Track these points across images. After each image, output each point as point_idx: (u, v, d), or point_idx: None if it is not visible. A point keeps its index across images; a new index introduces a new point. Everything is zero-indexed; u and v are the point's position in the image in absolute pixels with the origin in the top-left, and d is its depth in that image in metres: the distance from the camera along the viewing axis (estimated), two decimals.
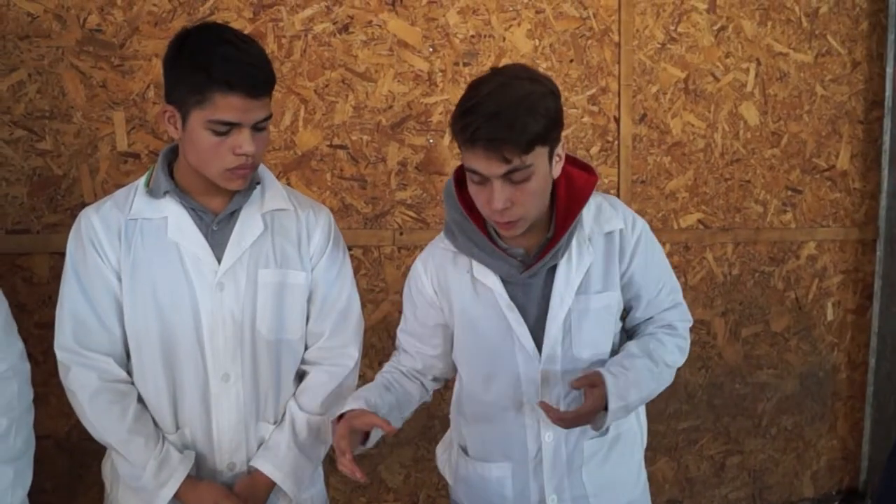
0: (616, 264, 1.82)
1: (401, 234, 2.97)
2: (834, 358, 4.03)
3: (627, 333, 1.94)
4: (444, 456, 2.08)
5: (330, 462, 2.02)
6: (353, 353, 1.94)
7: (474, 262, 1.80)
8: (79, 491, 2.67)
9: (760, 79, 3.60)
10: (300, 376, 1.94)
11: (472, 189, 1.68)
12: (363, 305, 2.66)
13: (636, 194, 3.38)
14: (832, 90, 3.78)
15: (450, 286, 1.85)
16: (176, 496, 1.75)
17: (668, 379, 1.85)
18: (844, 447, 4.15)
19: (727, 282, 3.66)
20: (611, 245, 1.82)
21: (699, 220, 3.56)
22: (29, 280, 2.55)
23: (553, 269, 1.78)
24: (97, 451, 1.99)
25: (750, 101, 3.60)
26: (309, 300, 1.91)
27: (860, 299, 4.05)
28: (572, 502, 1.86)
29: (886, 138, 3.88)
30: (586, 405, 1.68)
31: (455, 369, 1.98)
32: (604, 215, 1.82)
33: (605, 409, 1.70)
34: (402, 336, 1.99)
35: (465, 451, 1.97)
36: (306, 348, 1.94)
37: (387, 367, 1.98)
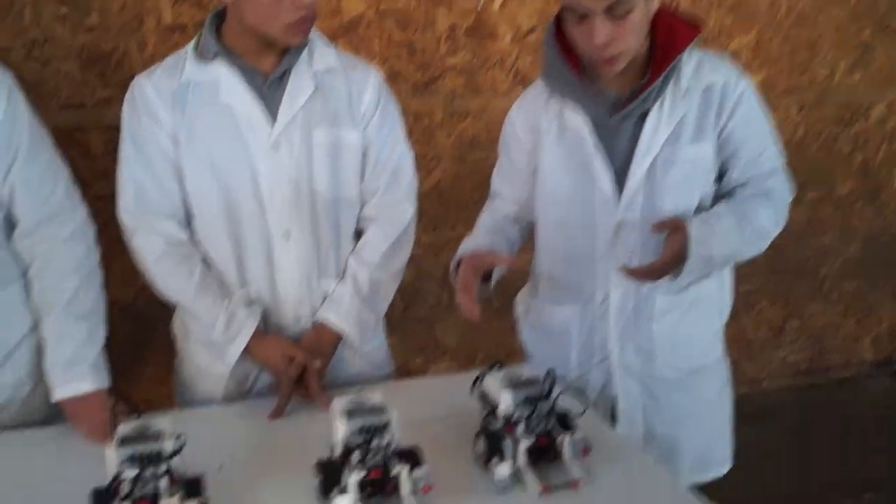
0: (713, 118, 1.72)
1: (452, 100, 2.88)
2: None
3: (720, 196, 1.82)
4: (522, 303, 2.09)
5: (387, 324, 2.02)
6: (408, 209, 1.93)
7: (566, 105, 1.78)
8: (146, 354, 2.74)
9: None
10: (358, 234, 1.93)
11: (573, 30, 1.64)
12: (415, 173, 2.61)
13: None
14: None
15: (540, 128, 1.82)
16: (245, 350, 1.79)
17: (757, 245, 1.74)
18: None
19: (791, 145, 3.52)
20: (709, 98, 1.72)
21: (762, 82, 3.40)
22: (86, 154, 2.55)
23: (644, 116, 1.72)
24: (162, 316, 2.02)
25: None
26: (363, 159, 1.88)
27: None
28: (636, 355, 1.84)
29: None
30: (666, 252, 1.62)
31: None
32: (704, 69, 1.74)
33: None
34: (496, 180, 2.00)
35: (537, 294, 1.98)
36: (363, 206, 1.92)
37: (484, 215, 1.97)
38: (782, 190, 1.79)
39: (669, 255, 1.61)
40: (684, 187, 1.75)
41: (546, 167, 1.83)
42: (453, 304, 3.12)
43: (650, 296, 1.80)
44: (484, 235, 1.86)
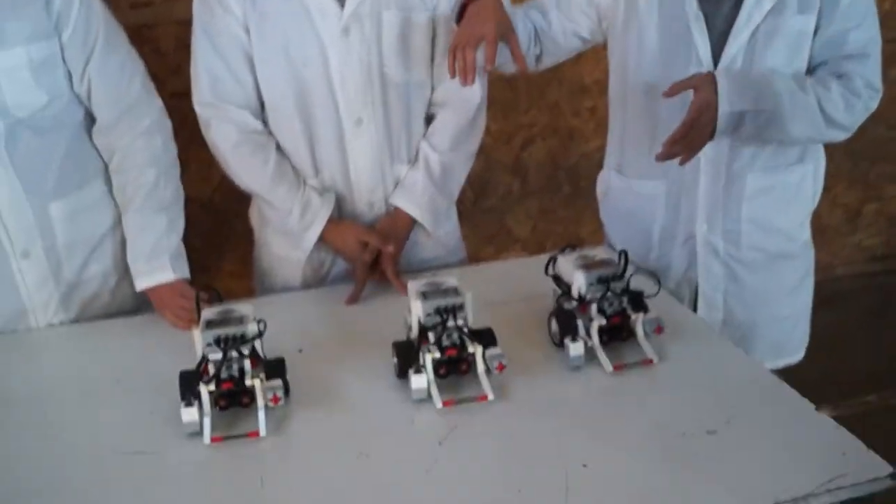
0: None
1: None
2: None
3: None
4: (602, 185, 2.01)
5: (458, 213, 1.99)
6: (477, 92, 1.86)
7: None
8: (225, 249, 2.77)
9: None
10: (429, 119, 1.89)
11: None
12: None
13: None
14: None
15: None
16: (321, 237, 1.80)
17: (825, 131, 1.65)
18: None
19: (877, 14, 3.31)
20: None
21: None
22: (157, 51, 2.51)
23: None
24: (239, 211, 2.03)
25: None
26: (433, 41, 1.82)
27: None
28: (723, 235, 1.79)
29: None
30: (690, 112, 1.53)
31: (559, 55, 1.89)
32: None
33: None
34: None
35: (620, 170, 1.91)
36: (433, 91, 1.87)
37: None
38: (867, 79, 1.66)
39: (693, 114, 1.53)
40: (784, 61, 1.65)
41: (644, 25, 1.72)
42: (524, 193, 3.12)
43: (741, 175, 1.74)
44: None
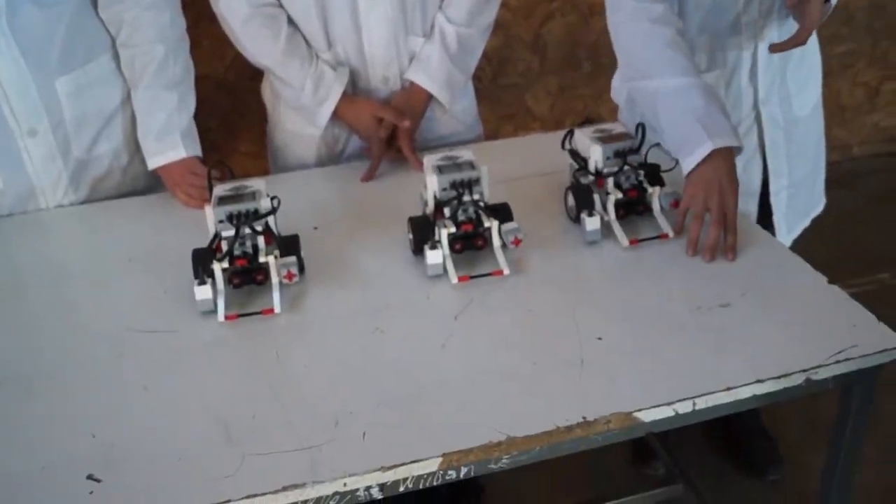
0: None
1: None
2: None
3: None
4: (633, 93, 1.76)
5: (475, 92, 1.91)
6: None
7: None
8: (240, 126, 2.69)
9: None
10: None
11: None
12: None
13: None
14: None
15: None
16: (335, 113, 1.72)
17: None
18: None
19: None
20: None
21: None
22: None
23: None
24: (254, 89, 1.94)
25: None
26: None
27: None
28: (779, 104, 1.73)
29: None
30: (812, 14, 1.43)
31: None
32: None
33: None
34: None
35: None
36: None
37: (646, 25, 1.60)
38: None
39: (814, 16, 1.43)
40: None
41: None
42: (544, 70, 3.00)
43: (786, 53, 1.64)
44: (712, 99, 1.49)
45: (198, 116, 1.70)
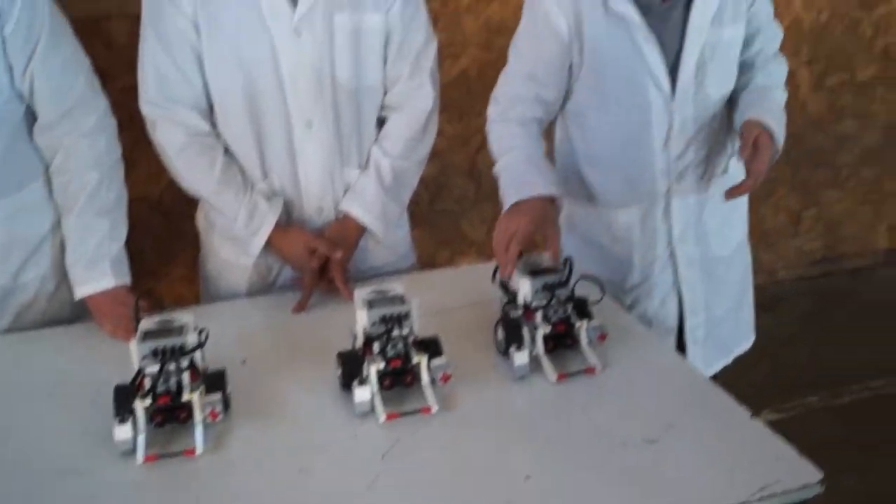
0: None
1: None
2: None
3: (740, 68, 1.77)
4: (562, 215, 1.93)
5: (412, 217, 1.94)
6: (430, 95, 1.81)
7: None
8: (175, 251, 2.68)
9: None
10: (381, 122, 1.84)
11: None
12: (442, 60, 2.45)
13: None
14: None
15: (583, 20, 1.64)
16: (268, 242, 1.72)
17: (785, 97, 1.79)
18: None
19: (815, 28, 3.34)
20: None
21: None
22: (109, 45, 2.43)
23: (688, 1, 1.61)
24: (190, 212, 1.94)
25: None
26: (385, 44, 1.76)
27: None
28: (696, 242, 1.79)
29: None
30: (762, 161, 1.56)
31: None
32: None
33: None
34: (516, 82, 1.75)
35: (585, 198, 1.84)
36: (385, 94, 1.82)
37: (514, 127, 1.73)
38: (779, 42, 1.81)
39: (767, 156, 1.57)
40: (727, 71, 1.70)
41: (597, 60, 1.66)
42: (480, 197, 3.07)
43: (707, 182, 1.76)
44: (542, 158, 1.67)
45: (132, 239, 1.69)
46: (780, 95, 1.75)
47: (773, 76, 1.76)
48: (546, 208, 1.55)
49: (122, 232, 1.68)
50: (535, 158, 1.67)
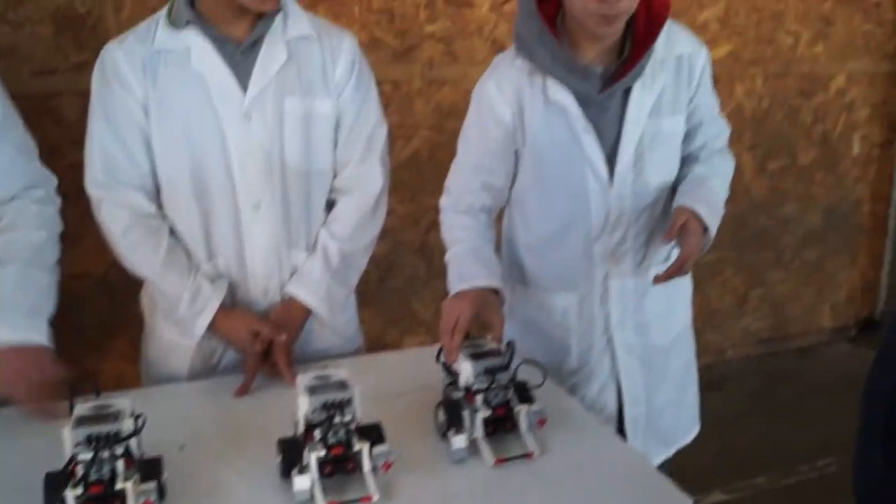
0: (685, 88, 1.71)
1: (430, 68, 2.79)
2: (858, 191, 3.87)
3: (683, 160, 1.82)
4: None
5: (361, 296, 1.95)
6: (379, 179, 1.84)
7: (550, 82, 1.65)
8: (119, 327, 2.64)
9: None
10: (330, 205, 1.85)
11: None
12: (393, 142, 2.50)
13: None
14: None
15: (524, 110, 1.70)
16: (211, 325, 1.71)
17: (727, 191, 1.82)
18: (864, 279, 4.05)
19: (756, 115, 3.47)
20: (680, 68, 1.70)
21: (729, 52, 3.33)
22: (59, 121, 2.44)
23: (626, 92, 1.66)
24: (135, 289, 1.93)
25: None
26: (336, 128, 1.79)
27: (887, 133, 3.85)
28: (634, 331, 1.79)
29: None
30: (690, 244, 1.59)
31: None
32: (674, 38, 1.69)
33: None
34: (464, 172, 1.80)
35: (524, 283, 1.87)
36: (335, 177, 1.83)
37: (463, 218, 1.79)
38: (726, 139, 1.86)
39: (695, 243, 1.60)
40: (667, 161, 1.74)
41: (537, 148, 1.71)
42: (430, 275, 3.09)
43: (646, 270, 1.76)
44: (491, 254, 1.73)
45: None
46: (719, 186, 1.76)
47: (715, 168, 1.78)
48: (487, 296, 1.60)
49: (54, 299, 1.64)
50: (479, 251, 1.72)
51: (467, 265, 1.69)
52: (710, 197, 1.69)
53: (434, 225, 3.02)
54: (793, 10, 3.41)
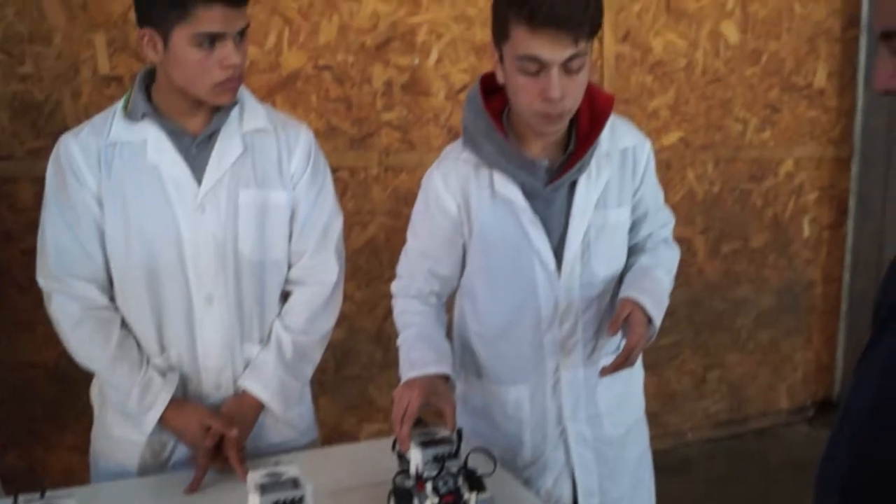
0: (630, 181, 1.75)
1: (387, 155, 2.84)
2: (810, 273, 3.96)
3: (629, 251, 1.85)
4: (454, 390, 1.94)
5: (318, 384, 1.93)
6: (334, 270, 1.85)
7: (496, 175, 1.69)
8: (70, 418, 2.58)
9: None
10: (285, 296, 1.85)
11: (522, 81, 1.56)
12: (350, 228, 2.52)
13: (619, 113, 3.21)
14: (810, 8, 3.64)
15: (471, 202, 1.73)
16: (162, 419, 1.69)
17: (671, 283, 1.84)
18: (819, 360, 4.11)
19: (707, 199, 3.56)
20: (625, 161, 1.74)
21: (680, 139, 3.44)
22: (13, 207, 2.43)
23: (572, 185, 1.69)
24: (86, 379, 1.90)
25: (731, 20, 3.45)
26: (291, 219, 1.81)
27: (835, 215, 3.96)
28: (587, 422, 1.79)
29: (862, 56, 3.76)
30: (635, 335, 1.61)
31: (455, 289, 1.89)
32: (618, 132, 1.74)
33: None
34: (413, 259, 1.83)
35: (476, 374, 1.87)
36: (290, 268, 1.84)
37: (415, 303, 1.81)
38: (667, 226, 1.89)
39: (640, 335, 1.62)
40: (614, 252, 1.76)
41: (484, 241, 1.74)
42: (387, 362, 3.07)
43: (597, 361, 1.77)
44: (442, 340, 1.75)
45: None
46: (663, 276, 1.78)
47: (660, 259, 1.81)
48: (437, 383, 1.61)
49: None
50: (430, 336, 1.74)
51: (417, 351, 1.70)
52: (654, 288, 1.71)
53: (390, 311, 3.02)
54: (741, 98, 3.54)
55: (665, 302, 1.73)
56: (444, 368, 1.65)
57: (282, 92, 2.67)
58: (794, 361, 4.03)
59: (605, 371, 1.64)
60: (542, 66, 1.51)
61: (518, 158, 1.66)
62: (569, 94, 1.54)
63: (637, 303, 1.65)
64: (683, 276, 3.54)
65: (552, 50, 1.49)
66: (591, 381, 1.78)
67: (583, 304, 1.73)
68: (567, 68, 1.51)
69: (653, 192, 1.82)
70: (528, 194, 1.68)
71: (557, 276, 1.70)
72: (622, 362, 1.62)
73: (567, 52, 1.49)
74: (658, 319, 1.67)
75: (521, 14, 1.49)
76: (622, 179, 1.73)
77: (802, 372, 4.08)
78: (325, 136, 2.74)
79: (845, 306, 4.04)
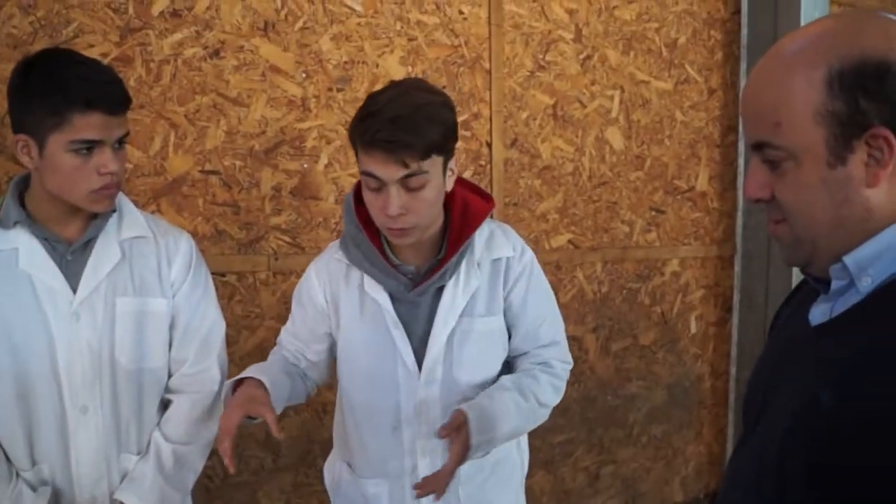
0: (500, 290, 1.80)
1: (276, 259, 2.86)
2: (698, 368, 4.10)
3: (508, 365, 1.89)
4: (329, 474, 2.00)
5: (205, 491, 1.89)
6: (216, 378, 1.87)
7: (365, 277, 1.76)
8: None
9: (624, 105, 3.65)
10: (165, 405, 1.85)
11: (368, 196, 1.63)
12: (238, 332, 2.51)
13: (508, 216, 3.35)
14: (691, 116, 3.87)
15: (339, 298, 1.80)
16: None
17: (540, 416, 1.81)
18: (710, 452, 4.22)
19: (597, 299, 3.67)
20: (497, 271, 1.79)
21: (569, 241, 3.57)
22: None
23: (441, 290, 1.75)
24: None
25: (615, 127, 3.63)
26: (171, 327, 1.80)
27: (720, 312, 4.14)
28: None
29: (741, 160, 4.02)
30: (453, 451, 1.61)
31: (327, 376, 1.96)
32: (495, 242, 1.81)
33: None
34: (285, 335, 1.94)
35: (348, 466, 1.91)
36: (170, 376, 1.84)
37: (279, 356, 1.91)
38: (562, 361, 1.87)
39: (458, 451, 1.61)
40: (480, 359, 1.79)
41: (350, 338, 1.80)
42: (278, 467, 3.03)
43: None
44: (278, 372, 1.77)
45: None
46: (515, 403, 1.72)
47: (526, 385, 1.76)
48: (254, 392, 1.60)
49: None
50: (266, 364, 1.80)
51: (251, 369, 1.73)
52: (493, 409, 1.67)
53: (282, 414, 2.99)
54: (626, 201, 3.71)
55: (504, 427, 1.68)
56: (256, 374, 1.68)
57: (167, 196, 2.68)
58: (686, 454, 4.13)
59: (419, 492, 1.60)
60: (382, 183, 1.59)
61: (382, 264, 1.73)
62: (412, 210, 1.60)
63: (467, 417, 1.63)
64: (575, 374, 3.62)
65: (384, 169, 1.56)
66: (453, 483, 1.77)
67: (443, 407, 1.75)
68: (406, 186, 1.58)
69: (527, 303, 1.81)
70: (394, 297, 1.74)
71: (418, 376, 1.75)
72: (431, 482, 1.58)
73: (399, 172, 1.56)
74: (476, 442, 1.62)
75: (355, 135, 1.59)
76: (493, 288, 1.78)
77: (695, 464, 4.18)
78: (213, 240, 2.75)
79: (733, 399, 4.20)
